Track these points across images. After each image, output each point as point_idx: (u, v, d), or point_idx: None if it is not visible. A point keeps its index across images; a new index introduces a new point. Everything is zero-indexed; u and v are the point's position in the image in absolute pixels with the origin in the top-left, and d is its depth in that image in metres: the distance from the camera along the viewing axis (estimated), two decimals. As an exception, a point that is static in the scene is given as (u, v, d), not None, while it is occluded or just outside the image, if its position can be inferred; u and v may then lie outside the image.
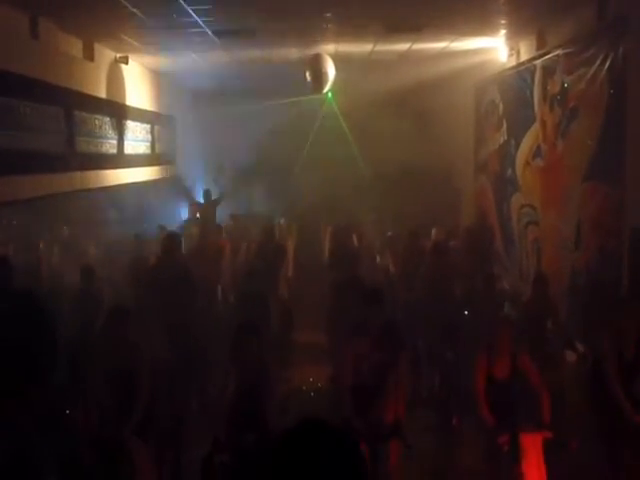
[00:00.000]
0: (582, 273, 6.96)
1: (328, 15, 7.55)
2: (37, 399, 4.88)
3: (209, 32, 8.12)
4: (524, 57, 9.09)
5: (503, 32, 8.74)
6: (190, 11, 6.96)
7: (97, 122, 8.71)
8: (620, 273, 6.20)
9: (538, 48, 8.48)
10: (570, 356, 6.25)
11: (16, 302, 5.39)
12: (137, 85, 10.51)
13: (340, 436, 1.50)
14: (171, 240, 7.28)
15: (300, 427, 1.52)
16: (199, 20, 7.42)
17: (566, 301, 6.96)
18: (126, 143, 9.82)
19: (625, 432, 4.84)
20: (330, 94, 11.79)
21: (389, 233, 9.88)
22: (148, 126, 11.17)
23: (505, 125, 9.78)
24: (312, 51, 9.40)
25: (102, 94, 8.92)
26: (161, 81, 11.89)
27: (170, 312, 6.22)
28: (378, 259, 9.32)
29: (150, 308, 6.21)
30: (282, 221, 11.27)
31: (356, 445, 1.51)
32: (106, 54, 9.08)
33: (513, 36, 8.95)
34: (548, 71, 8.02)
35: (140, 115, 10.62)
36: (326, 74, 9.19)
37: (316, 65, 9.25)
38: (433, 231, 9.95)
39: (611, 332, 5.05)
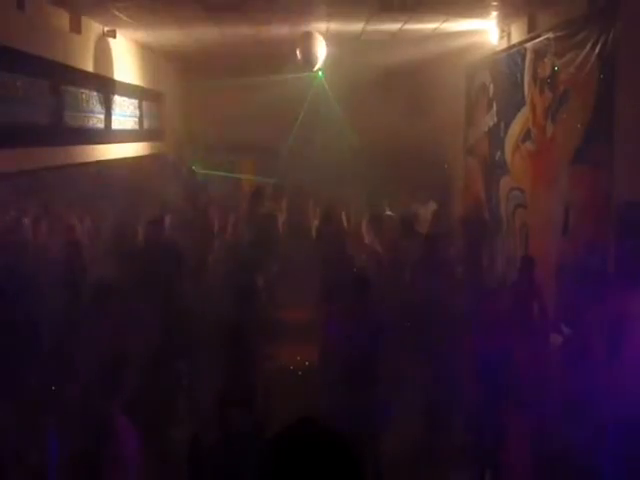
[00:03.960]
0: (570, 256, 7.00)
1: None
2: (22, 376, 4.87)
3: (198, 7, 8.01)
4: (515, 40, 9.06)
5: (494, 14, 8.70)
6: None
7: (84, 96, 8.60)
8: (607, 257, 6.25)
9: (529, 31, 8.46)
10: (556, 339, 6.32)
11: None
12: (125, 59, 10.38)
13: (336, 437, 1.46)
14: (153, 227, 7.27)
15: (295, 426, 1.48)
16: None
17: (553, 284, 7.01)
18: (114, 118, 9.72)
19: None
20: (321, 72, 11.71)
21: (377, 213, 9.86)
22: (136, 101, 11.05)
23: (495, 107, 9.76)
24: (303, 29, 9.32)
25: (89, 68, 8.80)
26: (149, 56, 11.75)
27: (157, 291, 6.21)
28: (366, 239, 9.32)
29: (137, 288, 6.20)
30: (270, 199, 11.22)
31: (353, 446, 1.48)
32: (93, 27, 8.95)
33: (504, 18, 8.92)
34: (539, 54, 8.01)
35: (128, 90, 10.50)
36: (317, 52, 9.13)
37: (307, 43, 9.18)
38: (421, 210, 9.97)
39: (597, 314, 5.13)
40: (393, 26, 9.50)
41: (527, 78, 8.41)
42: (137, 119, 11.17)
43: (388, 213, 9.89)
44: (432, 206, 10.31)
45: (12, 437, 4.30)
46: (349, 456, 1.45)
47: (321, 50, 9.16)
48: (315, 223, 9.73)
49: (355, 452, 1.46)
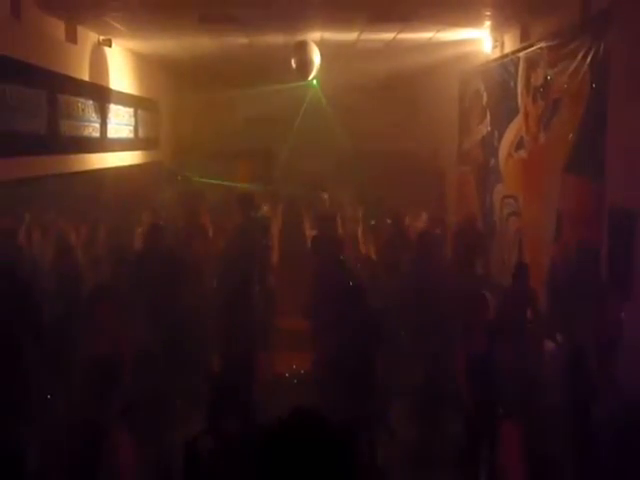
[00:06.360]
0: (562, 264, 7.05)
1: (314, 2, 7.54)
2: (20, 382, 4.87)
3: (194, 16, 8.06)
4: (508, 49, 9.14)
5: (488, 24, 8.78)
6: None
7: (80, 105, 8.64)
8: (598, 265, 6.29)
9: (522, 40, 8.54)
10: (549, 345, 6.35)
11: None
12: (120, 68, 10.43)
13: (332, 427, 1.50)
14: (154, 232, 7.28)
15: (292, 417, 1.52)
16: (183, 3, 7.37)
17: (546, 291, 7.05)
18: (109, 127, 9.75)
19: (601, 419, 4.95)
20: (315, 81, 11.77)
21: (372, 222, 9.92)
22: (131, 110, 11.09)
23: (489, 116, 9.84)
24: (298, 38, 9.37)
25: (85, 77, 8.84)
26: (144, 65, 11.80)
27: (154, 299, 6.22)
28: (361, 246, 9.35)
29: (134, 297, 6.21)
30: (265, 207, 11.25)
31: (348, 436, 1.51)
32: (89, 37, 8.99)
33: (498, 28, 9.00)
34: (532, 63, 8.08)
35: (123, 99, 10.54)
36: (312, 61, 9.16)
37: (302, 52, 9.22)
38: (407, 218, 10.01)
39: (590, 320, 5.17)
40: (387, 35, 9.57)
41: (520, 87, 8.49)
42: (132, 127, 11.21)
43: (385, 221, 9.92)
44: (424, 216, 10.35)
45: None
46: (341, 444, 1.48)
47: (316, 59, 9.21)
48: (310, 230, 9.75)
49: (348, 440, 1.49)
